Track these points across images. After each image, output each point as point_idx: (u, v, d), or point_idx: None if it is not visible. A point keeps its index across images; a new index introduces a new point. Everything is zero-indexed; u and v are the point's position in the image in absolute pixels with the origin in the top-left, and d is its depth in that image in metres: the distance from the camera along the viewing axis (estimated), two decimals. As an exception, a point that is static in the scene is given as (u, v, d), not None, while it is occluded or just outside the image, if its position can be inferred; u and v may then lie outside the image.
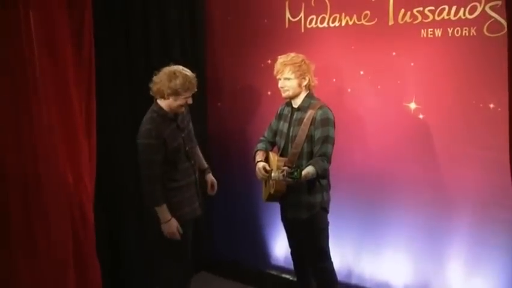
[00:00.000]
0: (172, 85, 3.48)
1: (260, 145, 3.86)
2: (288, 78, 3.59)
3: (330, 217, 3.77)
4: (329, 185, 3.73)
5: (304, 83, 3.62)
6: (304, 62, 3.61)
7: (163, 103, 3.57)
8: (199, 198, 3.81)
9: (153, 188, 3.54)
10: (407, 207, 4.08)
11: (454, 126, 3.82)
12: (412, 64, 3.90)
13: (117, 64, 4.14)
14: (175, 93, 3.50)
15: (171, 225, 3.59)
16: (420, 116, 3.92)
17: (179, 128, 3.66)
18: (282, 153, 3.71)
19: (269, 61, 4.39)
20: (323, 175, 3.56)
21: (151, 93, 3.58)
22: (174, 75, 3.49)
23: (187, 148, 3.70)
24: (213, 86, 4.78)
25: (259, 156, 3.77)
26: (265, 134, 3.91)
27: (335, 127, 3.59)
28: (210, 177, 3.95)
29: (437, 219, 3.96)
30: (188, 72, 3.55)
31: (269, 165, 3.68)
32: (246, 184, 4.64)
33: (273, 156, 3.71)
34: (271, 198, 3.70)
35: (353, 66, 4.13)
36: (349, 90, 4.19)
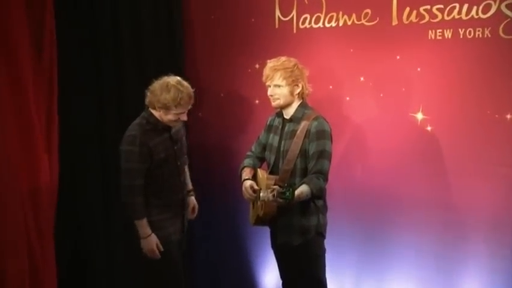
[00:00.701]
0: (162, 98, 3.56)
1: (247, 161, 3.85)
2: (279, 85, 3.58)
3: (327, 243, 3.74)
4: (325, 207, 3.71)
5: (297, 90, 3.61)
6: (297, 67, 3.60)
7: (157, 113, 3.66)
8: (184, 220, 3.88)
9: (132, 200, 3.61)
10: (414, 231, 4.06)
11: (465, 139, 3.83)
12: (419, 69, 3.90)
13: (83, 68, 4.13)
14: (165, 107, 3.58)
15: (150, 242, 3.66)
16: (428, 128, 3.93)
17: (172, 139, 3.73)
18: (272, 170, 3.69)
19: (257, 66, 4.39)
20: (318, 195, 3.54)
21: (145, 102, 3.67)
22: (166, 87, 3.57)
23: (178, 163, 3.76)
24: (194, 93, 4.73)
25: (246, 173, 3.76)
26: (253, 149, 3.90)
27: (332, 140, 3.59)
28: (193, 200, 4.05)
29: (448, 244, 3.95)
30: (183, 86, 3.61)
31: (257, 184, 3.66)
32: (231, 205, 4.61)
33: (262, 174, 3.69)
34: (259, 221, 3.68)
35: (352, 71, 4.13)
36: (347, 98, 4.19)
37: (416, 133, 3.96)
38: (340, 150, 4.06)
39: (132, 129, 3.63)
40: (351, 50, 4.12)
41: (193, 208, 4.04)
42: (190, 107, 3.66)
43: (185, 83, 3.64)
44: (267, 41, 4.38)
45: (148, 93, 3.63)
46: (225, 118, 4.73)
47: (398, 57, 3.96)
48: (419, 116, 3.94)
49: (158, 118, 3.65)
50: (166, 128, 3.69)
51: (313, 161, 3.51)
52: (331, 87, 4.22)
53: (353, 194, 4.23)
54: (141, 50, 4.43)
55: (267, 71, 3.62)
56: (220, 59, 4.68)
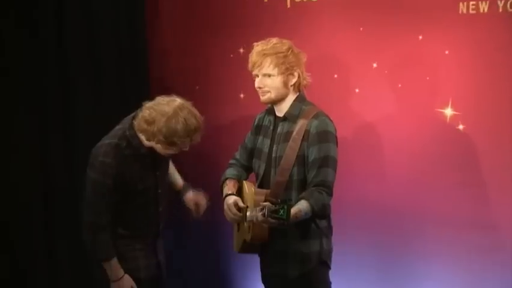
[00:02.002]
0: (166, 131, 3.45)
1: (230, 171, 3.84)
2: (269, 75, 3.56)
3: (333, 274, 3.70)
4: (330, 228, 3.68)
5: (292, 81, 3.59)
6: (292, 51, 3.58)
7: (141, 134, 3.58)
8: (160, 255, 3.87)
9: (96, 238, 3.62)
10: (442, 256, 4.10)
11: (506, 142, 3.87)
12: (447, 52, 3.93)
13: (16, 60, 4.19)
14: (169, 143, 3.51)
15: (124, 284, 3.68)
16: (460, 127, 3.97)
17: (154, 164, 3.70)
18: (262, 183, 3.68)
19: (241, 50, 4.41)
20: (321, 213, 3.51)
21: (134, 122, 3.57)
22: (174, 120, 3.45)
23: (159, 190, 3.75)
24: (161, 88, 4.67)
25: (229, 187, 3.74)
26: (237, 156, 3.89)
27: (337, 144, 3.57)
28: (190, 196, 3.96)
29: (486, 271, 3.98)
30: (192, 116, 3.52)
31: (243, 201, 3.66)
32: (210, 228, 4.62)
33: (249, 188, 3.68)
34: (246, 247, 3.69)
35: (362, 56, 4.16)
36: (357, 90, 4.22)
37: (444, 134, 4.00)
38: (348, 156, 4.00)
39: (107, 152, 3.56)
40: (361, 29, 4.14)
41: (197, 205, 3.93)
42: (187, 146, 3.61)
43: (194, 111, 3.55)
44: (254, 19, 4.39)
45: (144, 120, 3.51)
46: (201, 117, 4.72)
47: (420, 37, 3.98)
48: (448, 111, 3.97)
49: (143, 141, 3.59)
50: (147, 153, 3.63)
51: (314, 171, 3.50)
52: (336, 76, 4.25)
53: (366, 211, 4.25)
54: (92, 35, 4.50)
55: (253, 56, 3.60)
56: (194, 43, 4.68)
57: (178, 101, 3.55)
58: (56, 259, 4.49)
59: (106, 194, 3.57)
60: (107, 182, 3.55)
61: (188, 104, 3.56)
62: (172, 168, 4.02)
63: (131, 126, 3.60)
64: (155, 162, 3.71)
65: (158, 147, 3.57)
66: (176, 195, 4.00)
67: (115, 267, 3.67)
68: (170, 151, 3.60)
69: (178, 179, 4.05)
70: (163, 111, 3.49)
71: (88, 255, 3.75)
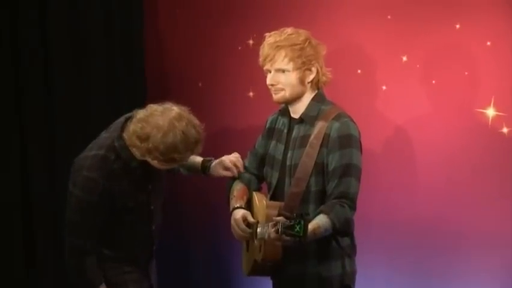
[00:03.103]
0: (164, 148, 3.42)
1: (238, 181, 3.84)
2: (283, 70, 3.56)
3: (357, 300, 3.76)
4: (353, 247, 3.68)
5: (310, 77, 3.59)
6: (309, 43, 3.58)
7: (132, 146, 3.56)
8: (151, 279, 3.87)
9: (79, 264, 3.61)
10: (484, 279, 4.10)
11: None
12: (488, 44, 3.94)
13: None
14: (168, 160, 3.48)
15: None
16: (504, 130, 3.98)
17: (146, 176, 3.68)
18: (275, 194, 3.68)
19: (251, 42, 4.44)
20: (343, 230, 3.50)
21: (124, 135, 3.54)
22: (172, 134, 3.41)
23: (152, 207, 3.75)
24: (158, 84, 4.78)
25: (237, 199, 3.75)
26: (246, 163, 3.89)
27: (361, 150, 3.57)
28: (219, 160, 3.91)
29: None
30: (192, 127, 3.49)
31: (253, 215, 3.66)
32: (215, 246, 4.63)
33: (260, 200, 3.69)
34: (257, 269, 3.69)
35: (389, 48, 4.18)
36: (384, 88, 4.24)
37: (486, 138, 4.01)
38: (373, 164, 4.07)
39: (91, 166, 3.53)
40: (389, 17, 4.16)
41: (226, 165, 3.85)
42: (187, 159, 3.63)
43: (194, 121, 3.53)
44: (265, 5, 4.41)
45: (134, 134, 3.48)
46: (204, 118, 4.66)
47: (457, 25, 4.01)
48: (490, 112, 3.99)
49: (135, 155, 3.56)
50: (137, 166, 3.61)
51: (335, 181, 3.49)
52: (359, 71, 4.27)
53: (395, 227, 4.26)
54: (78, 24, 4.55)
55: (265, 49, 3.59)
56: (196, 33, 4.70)
57: (174, 110, 3.49)
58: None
59: (91, 213, 3.56)
60: (93, 200, 3.52)
61: (185, 113, 3.50)
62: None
63: (121, 136, 3.55)
64: (147, 174, 3.66)
65: (155, 163, 3.54)
66: (203, 171, 3.93)
67: None
68: (169, 166, 3.58)
69: (196, 159, 3.94)
70: (158, 124, 3.43)
71: (71, 282, 3.73)
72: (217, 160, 3.89)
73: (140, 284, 3.80)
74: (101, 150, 3.57)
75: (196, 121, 3.54)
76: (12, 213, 4.50)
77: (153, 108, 3.50)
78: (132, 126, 3.48)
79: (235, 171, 3.85)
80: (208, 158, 3.92)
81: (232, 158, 3.86)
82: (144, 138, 3.44)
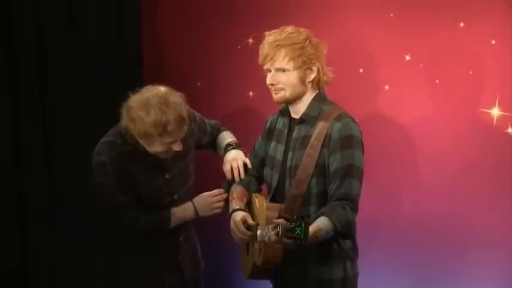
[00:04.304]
0: (139, 124, 3.55)
1: (237, 182, 3.85)
2: (284, 70, 3.56)
3: (359, 304, 3.76)
4: (355, 250, 3.67)
5: (311, 76, 3.58)
6: (310, 42, 3.58)
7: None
8: (186, 272, 3.97)
9: (141, 224, 3.76)
10: (488, 282, 4.11)
11: None
12: (493, 42, 3.95)
13: None
14: (145, 136, 3.58)
15: (201, 201, 3.89)
16: (509, 130, 3.99)
17: (160, 165, 3.76)
18: (275, 196, 3.68)
19: (250, 40, 4.45)
20: (345, 232, 3.50)
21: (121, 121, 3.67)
22: (145, 107, 3.54)
23: (175, 197, 3.82)
24: (157, 84, 4.70)
25: (237, 201, 3.75)
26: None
27: (363, 151, 3.57)
28: (231, 153, 3.95)
29: None
30: (168, 106, 3.57)
31: (253, 217, 3.67)
32: (213, 249, 4.64)
33: (260, 202, 3.70)
34: (257, 273, 3.69)
35: (392, 47, 4.19)
36: (386, 87, 4.25)
37: (490, 138, 4.02)
38: (376, 165, 4.08)
39: (99, 151, 3.67)
40: (392, 15, 4.17)
41: (230, 164, 3.87)
42: (183, 133, 3.66)
43: (173, 99, 3.62)
44: (265, 3, 4.42)
45: (123, 111, 3.63)
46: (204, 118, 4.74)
47: (461, 24, 4.01)
48: (495, 112, 4.00)
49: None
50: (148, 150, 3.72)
51: (336, 182, 3.49)
52: (361, 70, 4.28)
53: (397, 230, 4.27)
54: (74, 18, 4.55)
55: (265, 48, 3.59)
56: (195, 31, 4.71)
57: (160, 89, 3.63)
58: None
59: (117, 190, 3.69)
60: (111, 181, 3.66)
61: (171, 93, 3.63)
62: (221, 136, 4.07)
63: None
64: (161, 162, 3.76)
65: (144, 145, 3.64)
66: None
67: (182, 211, 3.86)
68: (157, 148, 3.63)
69: (227, 140, 4.03)
70: (136, 100, 3.59)
71: (162, 229, 3.85)
72: (228, 155, 3.93)
73: (164, 278, 3.90)
74: (108, 137, 3.72)
75: (176, 99, 3.63)
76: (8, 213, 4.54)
77: (146, 87, 3.68)
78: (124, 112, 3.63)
79: (229, 175, 3.87)
80: (232, 144, 3.99)
81: (235, 164, 3.86)
82: (128, 108, 3.59)
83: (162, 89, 3.65)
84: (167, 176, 3.79)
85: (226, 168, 3.87)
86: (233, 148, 3.94)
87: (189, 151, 3.90)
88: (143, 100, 3.57)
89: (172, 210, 3.81)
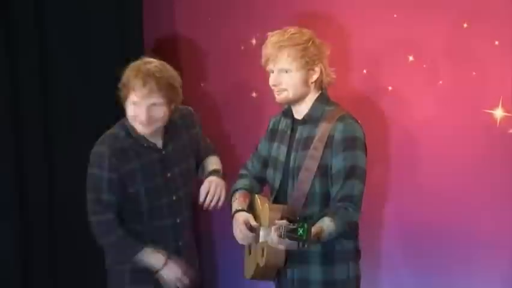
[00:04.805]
0: (121, 83, 3.62)
1: (240, 183, 3.85)
2: (286, 70, 3.57)
3: (362, 306, 3.76)
4: (358, 252, 3.70)
5: (314, 77, 3.60)
6: (313, 43, 3.58)
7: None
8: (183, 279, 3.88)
9: (110, 238, 3.69)
10: (493, 285, 4.10)
11: None
12: (497, 43, 3.93)
13: None
14: (123, 95, 3.62)
15: (172, 266, 3.73)
16: None
17: (163, 162, 3.76)
18: (278, 197, 3.69)
19: (253, 41, 4.44)
20: (347, 234, 3.54)
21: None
22: (125, 69, 3.63)
23: (174, 197, 3.80)
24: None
25: (239, 202, 3.75)
26: (249, 165, 3.91)
27: (366, 152, 3.58)
28: (211, 179, 3.88)
29: None
30: (148, 64, 3.63)
31: (256, 218, 3.67)
32: (215, 250, 4.66)
33: (262, 203, 3.69)
34: (259, 274, 3.69)
35: (395, 47, 4.17)
36: (390, 88, 4.24)
37: (494, 139, 4.01)
38: (379, 166, 4.10)
39: (102, 141, 3.68)
40: (395, 15, 4.16)
41: (209, 185, 3.82)
42: (152, 99, 3.62)
43: (152, 61, 3.65)
44: (268, 4, 4.41)
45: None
46: (206, 120, 4.68)
47: (465, 25, 4.00)
48: (498, 113, 3.98)
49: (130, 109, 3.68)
50: (153, 145, 3.72)
51: (339, 183, 3.50)
52: (365, 71, 4.27)
53: (401, 231, 4.28)
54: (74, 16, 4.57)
55: (268, 49, 3.60)
56: (198, 32, 4.71)
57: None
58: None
59: (105, 189, 3.65)
60: (103, 176, 3.63)
61: (164, 64, 3.68)
62: (208, 161, 4.00)
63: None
64: (164, 160, 3.75)
65: (129, 107, 3.63)
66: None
67: (153, 255, 3.72)
68: (129, 112, 3.63)
69: (211, 166, 3.97)
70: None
71: (115, 259, 3.81)
72: (213, 178, 3.86)
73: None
74: (113, 129, 3.73)
75: (156, 63, 3.67)
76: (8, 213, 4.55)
77: None
78: None
79: (203, 197, 3.80)
80: (219, 171, 3.94)
81: (212, 191, 3.82)
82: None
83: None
84: (168, 175, 3.77)
85: (205, 187, 3.82)
86: (219, 176, 3.90)
87: (192, 152, 3.90)
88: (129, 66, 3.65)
89: (145, 248, 3.72)
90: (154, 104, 3.59)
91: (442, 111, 4.13)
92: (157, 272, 3.73)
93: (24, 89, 4.43)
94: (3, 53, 4.34)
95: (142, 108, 3.59)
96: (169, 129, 3.76)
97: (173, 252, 3.82)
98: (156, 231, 3.78)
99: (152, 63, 3.64)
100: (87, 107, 4.62)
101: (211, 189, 3.81)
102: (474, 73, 4.03)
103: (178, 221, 3.83)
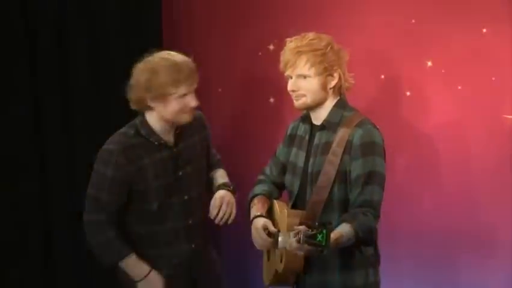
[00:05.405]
0: (153, 85, 3.58)
1: (258, 188, 3.85)
2: (305, 76, 3.56)
3: (381, 312, 3.75)
4: (377, 257, 3.69)
5: (332, 83, 3.59)
6: (332, 48, 3.57)
7: (152, 117, 3.69)
8: (202, 283, 3.91)
9: (100, 238, 3.68)
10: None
11: None
12: (517, 48, 3.94)
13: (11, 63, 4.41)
14: (161, 94, 3.59)
15: (152, 281, 3.71)
16: None
17: (174, 160, 3.76)
18: (296, 203, 3.69)
19: (271, 47, 4.44)
20: (367, 239, 3.49)
21: (131, 106, 3.70)
22: (152, 69, 3.59)
23: (186, 196, 3.79)
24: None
25: (258, 208, 3.74)
26: (267, 171, 3.91)
27: (385, 157, 3.57)
28: (221, 193, 3.88)
29: None
30: (172, 55, 3.65)
31: (274, 224, 3.67)
32: (235, 257, 4.65)
33: (281, 208, 3.68)
34: (278, 279, 3.69)
35: (414, 53, 4.17)
36: (408, 93, 4.24)
37: (513, 144, 3.99)
38: (398, 172, 4.10)
39: (112, 140, 3.69)
40: (413, 21, 4.17)
41: (220, 201, 3.81)
42: (195, 84, 3.68)
43: (173, 52, 3.68)
44: (286, 9, 4.42)
45: (131, 90, 3.66)
46: (224, 125, 4.75)
47: (484, 30, 4.00)
48: (517, 118, 3.98)
49: (156, 125, 3.68)
50: (163, 142, 3.72)
51: (358, 189, 3.50)
52: (383, 77, 4.28)
53: (420, 237, 4.26)
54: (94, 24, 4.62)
55: (286, 54, 3.60)
56: (214, 36, 4.72)
57: (154, 55, 3.66)
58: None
59: (104, 188, 3.65)
60: (107, 174, 3.62)
61: (164, 52, 3.69)
62: (217, 173, 4.01)
63: (142, 114, 3.71)
64: (175, 158, 3.75)
65: (162, 111, 3.63)
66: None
67: (136, 264, 3.71)
68: (174, 107, 3.62)
69: (219, 180, 3.97)
70: (139, 69, 3.65)
71: (99, 261, 3.78)
72: (224, 194, 3.86)
73: None
74: (123, 128, 3.72)
75: (175, 52, 3.71)
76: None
77: None
78: None
79: (214, 213, 3.80)
80: (229, 185, 3.93)
81: (224, 207, 3.82)
82: (134, 84, 3.64)
83: (160, 53, 3.71)
84: (180, 173, 3.77)
85: (216, 204, 3.82)
86: (228, 190, 3.90)
87: (203, 153, 3.90)
88: (147, 65, 3.63)
89: (131, 255, 3.71)
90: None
91: (461, 116, 4.14)
92: (135, 282, 3.74)
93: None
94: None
95: (190, 97, 3.68)
96: (181, 128, 3.76)
97: (190, 255, 3.83)
98: (167, 233, 3.77)
99: (172, 53, 3.68)
100: (104, 110, 4.69)
101: (223, 206, 3.81)
102: (493, 78, 4.04)
103: (190, 222, 3.82)
